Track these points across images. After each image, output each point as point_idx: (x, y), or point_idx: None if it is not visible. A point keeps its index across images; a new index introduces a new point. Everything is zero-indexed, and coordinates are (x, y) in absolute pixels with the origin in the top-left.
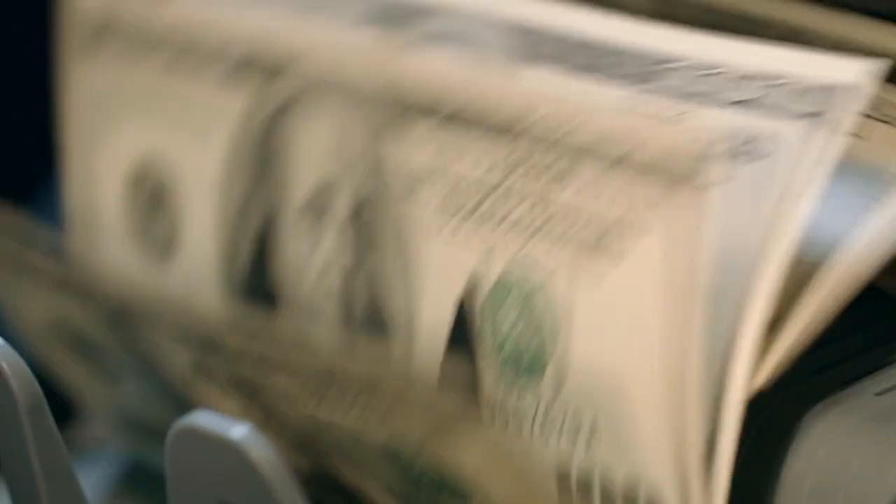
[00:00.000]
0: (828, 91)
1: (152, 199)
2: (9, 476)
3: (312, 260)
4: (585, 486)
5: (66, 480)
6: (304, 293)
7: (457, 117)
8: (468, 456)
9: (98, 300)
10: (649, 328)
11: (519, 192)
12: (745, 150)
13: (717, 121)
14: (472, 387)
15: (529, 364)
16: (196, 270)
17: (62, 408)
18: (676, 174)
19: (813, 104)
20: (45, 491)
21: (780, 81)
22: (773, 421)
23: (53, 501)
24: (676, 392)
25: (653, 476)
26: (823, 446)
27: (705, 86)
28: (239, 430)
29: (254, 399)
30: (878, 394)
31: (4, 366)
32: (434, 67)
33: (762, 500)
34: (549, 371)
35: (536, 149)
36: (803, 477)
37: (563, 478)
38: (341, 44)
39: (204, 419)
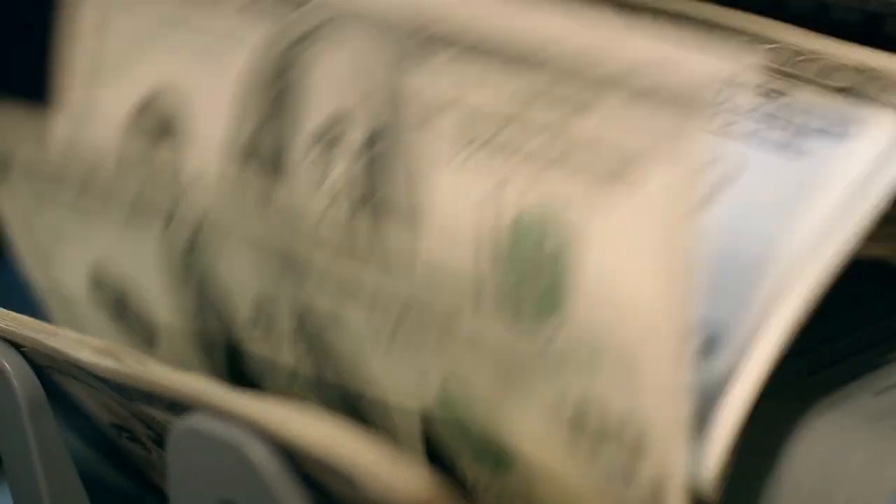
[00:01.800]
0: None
1: (160, 126)
2: (10, 475)
3: (320, 191)
4: (579, 423)
5: (68, 479)
6: (309, 225)
7: (478, 48)
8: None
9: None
10: (650, 261)
11: (538, 124)
12: None
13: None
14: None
15: (534, 302)
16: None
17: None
18: (697, 103)
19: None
20: (46, 490)
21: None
22: (773, 421)
23: (55, 500)
24: (674, 325)
25: (642, 413)
26: (823, 446)
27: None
28: (240, 431)
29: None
30: (877, 393)
31: (6, 365)
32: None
33: (762, 500)
34: (554, 308)
35: (558, 80)
36: (803, 477)
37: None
38: None
39: (205, 420)
